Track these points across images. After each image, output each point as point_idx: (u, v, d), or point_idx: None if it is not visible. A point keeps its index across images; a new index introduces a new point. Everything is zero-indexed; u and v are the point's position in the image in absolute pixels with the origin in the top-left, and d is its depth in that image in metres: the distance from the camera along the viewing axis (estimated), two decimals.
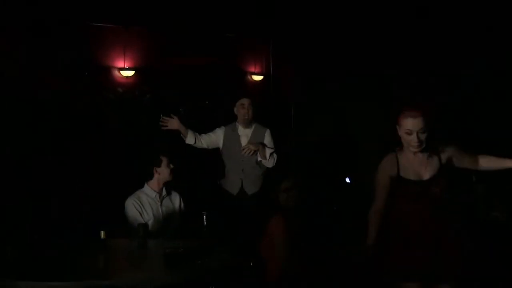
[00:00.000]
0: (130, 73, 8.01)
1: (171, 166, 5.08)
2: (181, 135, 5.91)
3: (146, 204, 5.04)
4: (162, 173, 5.08)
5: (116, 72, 7.99)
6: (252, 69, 8.60)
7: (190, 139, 5.90)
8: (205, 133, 5.98)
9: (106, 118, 7.66)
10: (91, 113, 7.53)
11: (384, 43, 8.00)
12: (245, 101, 5.89)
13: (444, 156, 3.95)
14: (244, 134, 5.92)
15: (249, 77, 8.61)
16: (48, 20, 7.27)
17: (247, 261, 4.55)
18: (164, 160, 5.09)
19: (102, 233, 3.62)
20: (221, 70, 8.17)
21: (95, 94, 7.63)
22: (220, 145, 5.92)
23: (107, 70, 7.92)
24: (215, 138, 5.92)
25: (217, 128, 5.98)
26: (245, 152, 5.72)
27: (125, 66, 8.00)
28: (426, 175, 3.92)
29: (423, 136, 3.87)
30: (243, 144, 5.81)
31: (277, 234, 4.43)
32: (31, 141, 6.93)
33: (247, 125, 5.92)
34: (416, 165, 3.94)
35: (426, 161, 3.94)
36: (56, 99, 7.21)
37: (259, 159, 5.80)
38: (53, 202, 6.53)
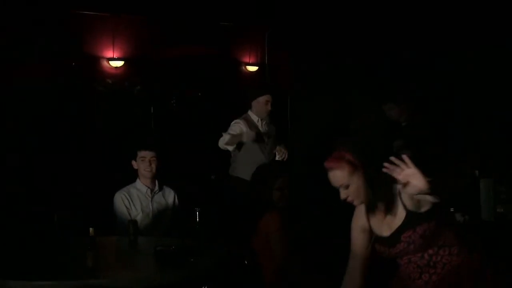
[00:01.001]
0: (120, 63, 7.90)
1: (147, 162, 4.90)
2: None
3: (136, 198, 4.96)
4: (139, 167, 4.92)
5: (105, 62, 7.89)
6: (247, 60, 8.53)
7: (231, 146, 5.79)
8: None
9: (95, 110, 7.51)
10: (79, 105, 7.39)
11: (383, 30, 7.91)
12: (270, 98, 5.83)
13: (409, 202, 3.03)
14: (260, 126, 5.88)
15: (244, 67, 8.54)
16: (34, 7, 7.11)
17: (242, 259, 4.43)
18: (140, 155, 4.93)
19: (91, 230, 3.48)
20: (215, 61, 8.07)
21: (82, 85, 7.48)
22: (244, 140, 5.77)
23: (96, 60, 7.80)
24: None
25: (236, 124, 5.83)
26: (280, 156, 5.76)
27: (114, 56, 7.89)
28: (387, 231, 3.13)
29: (347, 193, 3.07)
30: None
31: (272, 232, 4.32)
32: (15, 135, 6.83)
33: (264, 119, 5.88)
34: (377, 217, 3.15)
35: (383, 214, 3.10)
36: (41, 90, 7.09)
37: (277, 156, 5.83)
38: (41, 199, 6.38)
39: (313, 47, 8.19)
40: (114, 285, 3.25)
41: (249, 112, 5.92)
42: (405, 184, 2.84)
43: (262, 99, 5.85)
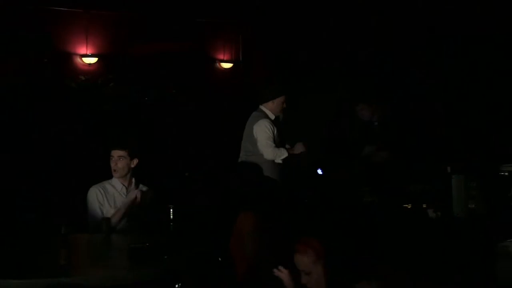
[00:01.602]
0: (93, 60, 7.85)
1: (115, 161, 4.87)
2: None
3: (111, 195, 4.90)
4: (116, 165, 4.88)
5: (78, 59, 7.82)
6: (221, 56, 8.50)
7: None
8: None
9: (67, 107, 7.43)
10: (51, 102, 7.31)
11: (357, 27, 7.96)
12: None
13: None
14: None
15: (218, 64, 8.51)
16: (6, 2, 7.02)
17: (216, 257, 4.44)
18: (112, 154, 4.89)
19: (63, 228, 3.44)
20: (189, 57, 8.03)
21: (55, 81, 7.40)
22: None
23: (68, 57, 7.74)
24: None
25: (268, 124, 5.81)
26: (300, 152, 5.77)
27: (88, 53, 7.84)
28: None
29: (307, 280, 3.09)
30: None
31: (246, 232, 4.32)
32: None
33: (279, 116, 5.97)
34: None
35: None
36: (13, 86, 7.00)
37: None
38: (13, 196, 6.30)
39: (289, 44, 8.21)
40: (87, 283, 3.22)
41: (264, 110, 5.91)
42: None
43: (281, 99, 5.88)
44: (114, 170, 4.90)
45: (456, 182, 4.92)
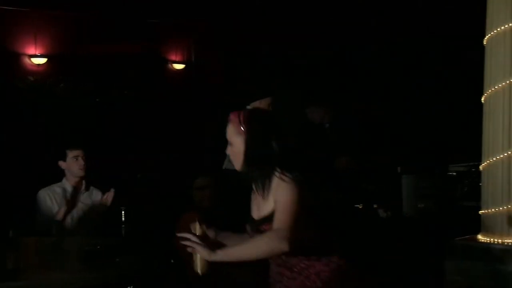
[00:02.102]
0: (42, 60, 7.74)
1: (81, 160, 4.81)
2: None
3: (61, 198, 4.83)
4: (69, 167, 4.82)
5: (26, 59, 7.70)
6: (173, 57, 8.46)
7: None
8: None
9: (15, 108, 7.31)
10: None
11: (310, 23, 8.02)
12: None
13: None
14: None
15: (170, 65, 8.46)
16: None
17: (168, 258, 4.42)
18: (71, 154, 4.83)
19: (10, 232, 3.38)
20: (141, 58, 7.97)
21: (3, 82, 7.28)
22: None
23: (16, 57, 7.61)
24: None
25: None
26: None
27: (37, 53, 7.72)
28: (255, 214, 3.02)
29: (229, 151, 3.02)
30: None
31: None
32: None
33: None
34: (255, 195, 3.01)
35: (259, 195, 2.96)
36: None
37: None
38: None
39: (243, 43, 8.22)
40: (36, 287, 3.19)
41: None
42: None
43: (268, 100, 5.88)
44: (81, 170, 4.85)
45: (406, 182, 5.00)
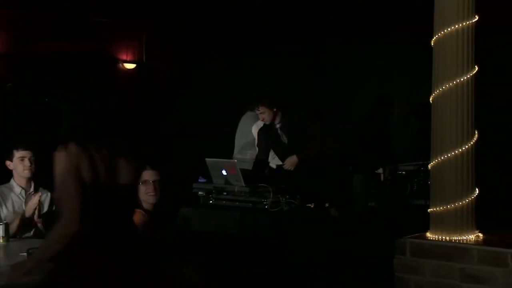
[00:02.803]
0: None
1: (27, 161, 4.73)
2: None
3: (8, 199, 4.78)
4: (16, 168, 4.73)
5: None
6: (124, 57, 8.37)
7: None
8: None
9: None
10: None
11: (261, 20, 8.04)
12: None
13: None
14: None
15: (120, 65, 8.38)
16: None
17: None
18: (18, 155, 4.73)
19: None
20: (90, 57, 7.86)
21: None
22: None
23: None
24: None
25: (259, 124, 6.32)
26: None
27: None
28: None
29: None
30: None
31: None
32: None
33: None
34: None
35: None
36: None
37: None
38: None
39: (194, 43, 8.19)
40: None
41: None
42: None
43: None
44: (27, 171, 4.76)
45: (356, 181, 5.04)
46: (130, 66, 8.44)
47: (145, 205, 4.56)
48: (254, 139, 6.19)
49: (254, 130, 6.26)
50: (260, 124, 6.26)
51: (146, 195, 4.57)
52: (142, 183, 4.55)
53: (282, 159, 6.11)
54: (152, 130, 7.83)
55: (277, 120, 6.14)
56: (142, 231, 4.38)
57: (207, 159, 5.72)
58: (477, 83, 4.53)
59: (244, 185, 5.49)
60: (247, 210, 5.42)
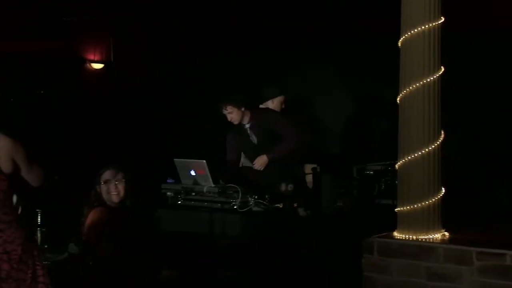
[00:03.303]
0: None
1: None
2: None
3: None
4: None
5: None
6: (91, 57, 8.29)
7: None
8: None
9: None
10: None
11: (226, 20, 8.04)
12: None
13: None
14: None
15: (88, 64, 8.29)
16: None
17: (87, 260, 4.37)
18: None
19: None
20: (57, 57, 7.78)
21: None
22: None
23: None
24: None
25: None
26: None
27: None
28: None
29: None
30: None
31: (93, 227, 4.44)
32: None
33: None
34: None
35: None
36: None
37: None
38: None
39: (163, 43, 8.15)
40: None
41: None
42: None
43: (280, 98, 6.28)
44: None
45: (324, 181, 5.06)
46: (97, 66, 8.36)
47: (109, 203, 4.59)
48: None
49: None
50: None
51: (109, 194, 4.59)
52: (104, 182, 4.60)
53: (252, 159, 6.09)
54: (120, 130, 7.79)
55: (246, 120, 6.12)
56: (104, 227, 4.42)
57: (175, 160, 5.70)
58: (444, 83, 4.60)
59: (213, 185, 5.49)
60: (216, 210, 5.43)
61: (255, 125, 6.13)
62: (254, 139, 6.15)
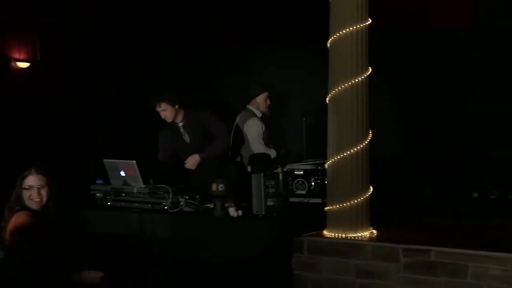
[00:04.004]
0: None
1: None
2: None
3: None
4: None
5: None
6: (17, 55, 8.07)
7: None
8: None
9: None
10: None
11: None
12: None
13: None
14: None
15: (13, 63, 8.07)
16: None
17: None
18: None
19: None
20: None
21: None
22: None
23: None
24: None
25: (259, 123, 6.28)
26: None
27: None
28: None
29: None
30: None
31: (15, 231, 4.38)
32: None
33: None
34: None
35: None
36: None
37: None
38: None
39: (90, 43, 8.03)
40: None
41: (251, 108, 6.30)
42: None
43: (264, 95, 6.29)
44: None
45: (255, 181, 5.08)
46: (23, 65, 8.15)
47: (31, 207, 4.51)
48: (246, 136, 6.13)
49: (246, 128, 6.17)
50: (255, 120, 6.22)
51: (30, 200, 4.49)
52: (26, 188, 4.50)
53: (184, 158, 6.07)
54: (46, 130, 7.62)
55: (179, 119, 6.10)
56: (28, 231, 4.33)
57: (105, 160, 5.62)
58: (372, 83, 4.69)
59: (143, 186, 5.44)
60: (146, 211, 5.38)
61: (188, 123, 6.11)
62: (187, 138, 6.13)
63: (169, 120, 6.07)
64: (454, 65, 7.45)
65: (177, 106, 6.05)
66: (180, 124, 6.13)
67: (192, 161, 6.04)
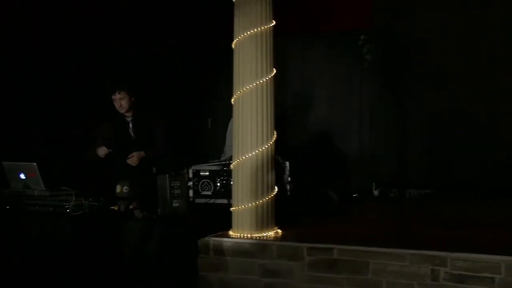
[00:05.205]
0: None
1: None
2: None
3: None
4: None
5: None
6: None
7: None
8: None
9: None
10: None
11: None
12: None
13: None
14: None
15: None
16: None
17: None
18: None
19: None
20: None
21: None
22: None
23: None
24: None
25: None
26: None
27: None
28: None
29: None
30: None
31: None
32: None
33: None
34: None
35: None
36: None
37: None
38: None
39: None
40: None
41: None
42: None
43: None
44: None
45: (160, 182, 5.05)
46: None
47: None
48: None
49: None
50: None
51: None
52: None
53: (126, 153, 5.87)
54: None
55: (129, 113, 5.99)
56: None
57: (3, 162, 5.45)
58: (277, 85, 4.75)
59: (44, 188, 5.31)
60: (48, 214, 5.25)
61: (138, 119, 5.99)
62: (133, 133, 6.00)
63: (123, 110, 5.94)
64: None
65: (133, 99, 5.93)
66: (129, 119, 6.01)
67: (137, 157, 5.88)
